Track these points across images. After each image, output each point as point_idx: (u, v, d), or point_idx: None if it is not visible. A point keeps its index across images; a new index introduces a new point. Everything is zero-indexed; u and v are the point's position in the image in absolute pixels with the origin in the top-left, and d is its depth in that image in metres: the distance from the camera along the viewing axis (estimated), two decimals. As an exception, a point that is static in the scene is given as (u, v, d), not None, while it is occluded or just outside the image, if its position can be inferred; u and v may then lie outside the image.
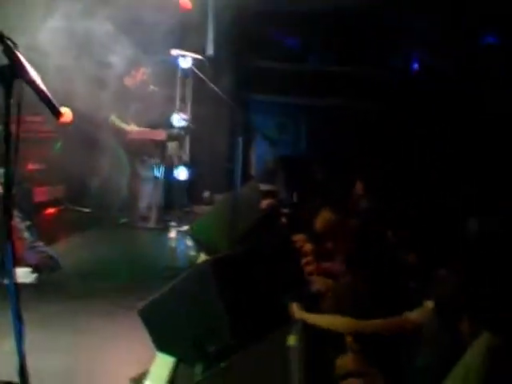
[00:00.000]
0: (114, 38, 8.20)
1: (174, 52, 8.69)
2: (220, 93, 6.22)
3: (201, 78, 8.64)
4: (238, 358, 2.48)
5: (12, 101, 2.18)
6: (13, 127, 2.24)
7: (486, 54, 11.55)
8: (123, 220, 9.04)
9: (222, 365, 2.50)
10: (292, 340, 2.18)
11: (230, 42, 10.74)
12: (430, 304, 3.34)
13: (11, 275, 2.35)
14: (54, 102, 2.23)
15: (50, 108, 2.24)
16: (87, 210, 9.37)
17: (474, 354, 2.51)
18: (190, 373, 3.50)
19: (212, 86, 6.38)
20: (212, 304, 3.33)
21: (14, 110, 2.21)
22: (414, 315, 3.47)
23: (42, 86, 2.25)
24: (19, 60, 2.24)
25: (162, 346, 3.76)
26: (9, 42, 2.24)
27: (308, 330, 2.31)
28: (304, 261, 4.79)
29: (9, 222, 2.37)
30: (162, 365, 3.72)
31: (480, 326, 2.60)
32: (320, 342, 2.67)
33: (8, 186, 2.30)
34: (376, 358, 3.23)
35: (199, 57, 8.92)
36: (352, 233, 4.51)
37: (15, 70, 2.22)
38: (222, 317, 3.26)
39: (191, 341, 3.39)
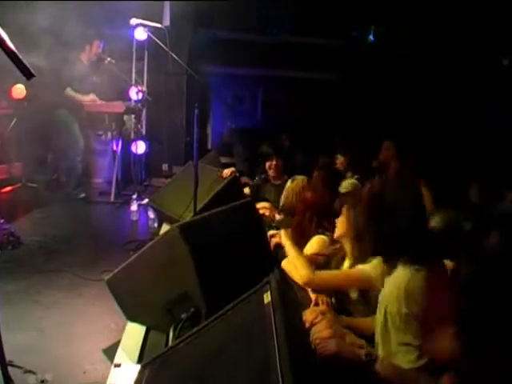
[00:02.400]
0: (68, 11, 8.10)
1: (133, 21, 8.57)
2: (180, 61, 6.16)
3: (157, 50, 8.55)
4: (213, 320, 2.48)
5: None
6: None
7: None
8: (81, 195, 8.96)
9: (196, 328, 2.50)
10: (268, 297, 2.19)
11: (187, 12, 10.62)
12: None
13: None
14: (25, 62, 2.19)
15: (21, 69, 2.19)
16: (45, 187, 9.25)
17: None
18: (162, 340, 3.50)
19: (172, 54, 6.31)
20: (182, 269, 3.32)
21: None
22: (368, 269, 3.54)
23: (12, 47, 2.20)
24: (-14, 21, 2.21)
25: (132, 315, 3.75)
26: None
27: (281, 285, 2.32)
28: (270, 233, 4.81)
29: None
30: (133, 334, 3.69)
31: None
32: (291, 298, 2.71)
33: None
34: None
35: (158, 25, 8.81)
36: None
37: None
38: (193, 281, 3.26)
39: (163, 308, 3.38)
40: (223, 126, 13.23)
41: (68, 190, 8.99)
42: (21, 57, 2.20)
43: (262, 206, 5.75)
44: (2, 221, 6.22)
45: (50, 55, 7.65)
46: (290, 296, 2.59)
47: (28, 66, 2.21)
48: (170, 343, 3.15)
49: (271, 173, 6.83)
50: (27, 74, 2.21)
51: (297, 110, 12.77)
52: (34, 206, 8.17)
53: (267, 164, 6.85)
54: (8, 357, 2.82)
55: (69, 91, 8.65)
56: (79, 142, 9.01)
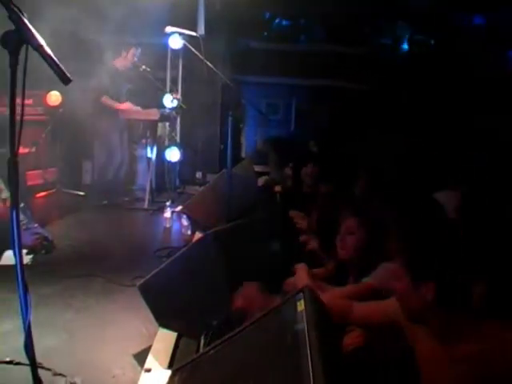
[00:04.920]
0: (104, 18, 8.16)
1: (169, 29, 8.63)
2: (215, 69, 6.18)
3: (191, 58, 8.59)
4: (245, 327, 2.47)
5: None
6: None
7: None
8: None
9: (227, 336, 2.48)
10: (301, 305, 2.18)
11: (221, 22, 10.68)
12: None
13: (18, 250, 2.34)
14: (63, 67, 2.20)
15: (58, 74, 2.20)
16: (80, 193, 9.33)
17: None
18: (193, 347, 3.50)
19: (207, 62, 6.34)
20: (214, 276, 3.33)
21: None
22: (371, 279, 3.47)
23: (50, 52, 2.22)
24: (26, 25, 2.21)
25: (164, 321, 3.77)
26: (14, 8, 2.20)
27: (314, 294, 2.31)
28: (302, 238, 4.79)
29: (16, 205, 2.34)
30: (165, 340, 3.72)
31: None
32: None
33: (14, 169, 2.28)
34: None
35: (194, 33, 8.86)
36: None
37: (22, 36, 2.18)
38: (225, 288, 3.26)
39: (194, 315, 3.39)
40: (257, 135, 13.24)
41: (104, 196, 9.05)
42: (58, 62, 2.21)
43: (295, 216, 5.73)
44: (36, 225, 6.27)
45: (85, 61, 7.73)
46: (322, 305, 2.56)
47: (65, 71, 2.22)
48: (201, 350, 3.14)
49: (307, 180, 6.79)
50: (65, 79, 2.22)
51: (329, 119, 12.74)
52: (68, 212, 8.24)
53: (303, 170, 6.80)
54: (38, 359, 2.82)
55: (105, 98, 8.72)
56: (115, 148, 9.08)
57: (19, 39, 2.18)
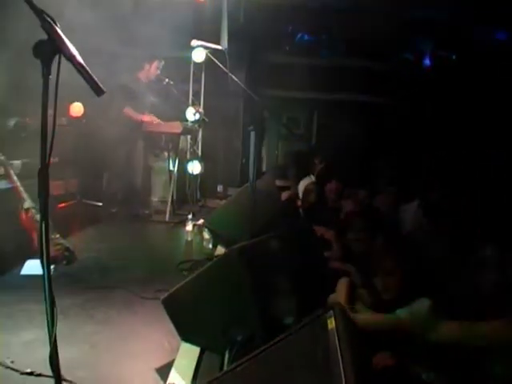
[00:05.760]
0: (128, 31, 8.21)
1: (194, 42, 8.65)
2: (239, 82, 6.15)
3: (214, 72, 8.61)
4: (272, 345, 2.43)
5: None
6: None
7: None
8: (137, 213, 9.02)
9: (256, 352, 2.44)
10: (332, 323, 2.13)
11: (244, 35, 10.70)
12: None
13: (46, 259, 2.31)
14: (95, 78, 2.18)
15: (91, 85, 2.18)
16: (100, 204, 9.34)
17: None
18: (217, 362, 3.47)
19: (232, 75, 6.32)
20: (239, 291, 3.29)
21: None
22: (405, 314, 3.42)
23: (82, 62, 2.20)
24: (59, 35, 2.19)
25: (187, 335, 3.73)
26: (47, 17, 2.19)
27: (345, 311, 2.27)
28: (328, 254, 4.74)
29: (46, 213, 2.31)
30: (188, 354, 3.68)
31: None
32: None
33: (44, 181, 2.25)
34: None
35: (219, 47, 8.88)
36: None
37: (55, 45, 2.17)
38: (249, 304, 3.23)
39: (218, 329, 3.35)
40: (278, 149, 13.25)
41: (124, 208, 9.05)
42: (91, 72, 2.20)
43: (319, 230, 5.69)
44: (57, 236, 6.26)
45: (109, 73, 7.75)
46: (352, 323, 2.52)
47: (98, 82, 2.20)
48: (226, 365, 3.11)
49: (331, 196, 6.76)
50: (98, 90, 2.20)
51: (351, 133, 12.73)
52: (89, 223, 8.27)
53: (328, 186, 6.77)
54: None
55: (128, 110, 8.73)
56: (137, 161, 9.09)
57: (52, 49, 2.16)
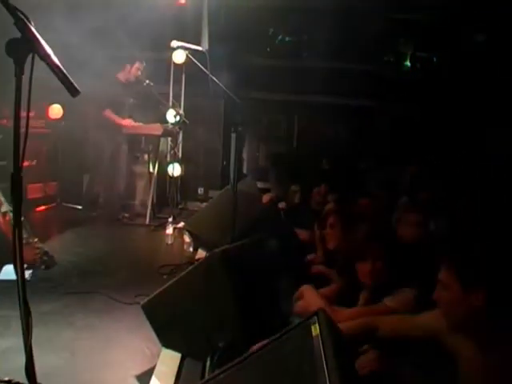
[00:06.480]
0: (108, 32, 8.13)
1: (174, 43, 8.58)
2: (220, 84, 6.10)
3: (195, 73, 8.56)
4: (255, 351, 2.37)
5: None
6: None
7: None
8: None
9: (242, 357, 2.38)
10: (316, 329, 2.08)
11: (224, 37, 10.65)
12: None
13: (20, 268, 2.23)
14: (71, 78, 2.10)
15: (66, 85, 2.10)
16: (80, 207, 9.25)
17: None
18: (198, 369, 3.41)
19: (212, 77, 6.28)
20: (220, 296, 3.25)
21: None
22: (392, 302, 3.41)
23: (57, 62, 2.12)
24: (33, 33, 2.11)
25: (168, 341, 3.67)
26: (21, 15, 2.10)
27: (328, 317, 2.23)
28: (311, 257, 4.70)
29: (18, 220, 2.23)
30: (168, 361, 3.61)
31: None
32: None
33: (17, 184, 2.17)
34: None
35: (199, 48, 8.83)
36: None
37: (29, 44, 2.08)
38: (231, 309, 3.18)
39: (199, 336, 3.30)
40: (259, 151, 13.20)
41: (105, 211, 8.98)
42: (66, 73, 2.12)
43: (301, 234, 5.65)
44: (35, 240, 6.17)
45: (89, 75, 7.66)
46: (337, 328, 2.48)
47: (73, 82, 2.12)
48: (207, 372, 3.06)
49: (316, 198, 6.71)
50: (73, 90, 2.12)
51: (332, 136, 12.73)
52: (69, 226, 8.18)
53: (316, 189, 6.72)
54: (37, 379, 2.72)
55: (108, 112, 8.63)
56: (114, 162, 9.00)
57: (25, 47, 2.08)
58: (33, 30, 2.11)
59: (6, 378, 3.47)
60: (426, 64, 12.82)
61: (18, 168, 2.16)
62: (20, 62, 2.08)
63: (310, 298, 3.70)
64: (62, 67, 2.11)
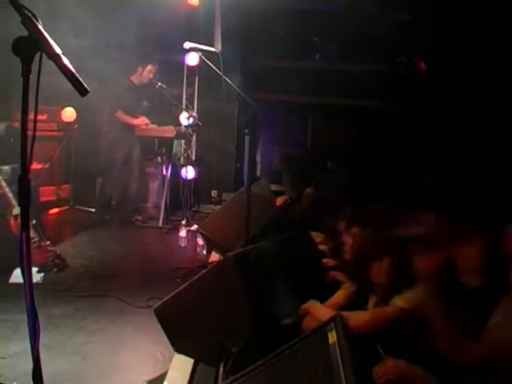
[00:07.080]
0: (121, 34, 8.11)
1: (187, 45, 8.52)
2: (234, 86, 6.04)
3: (208, 75, 8.52)
4: (270, 358, 2.31)
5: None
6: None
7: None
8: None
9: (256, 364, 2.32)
10: (333, 337, 2.01)
11: (237, 39, 10.60)
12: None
13: (27, 272, 2.16)
14: (80, 78, 2.03)
15: (74, 85, 2.02)
16: (93, 210, 9.21)
17: None
18: (211, 375, 3.35)
19: (226, 78, 6.22)
20: (234, 300, 3.18)
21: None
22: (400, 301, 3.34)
23: (66, 61, 2.05)
24: (40, 32, 2.04)
25: (180, 346, 3.61)
26: (28, 13, 2.04)
27: (345, 324, 2.16)
28: (324, 261, 4.61)
29: (26, 222, 2.17)
30: (181, 366, 3.56)
31: None
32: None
33: (25, 187, 2.10)
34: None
35: (212, 49, 8.79)
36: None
37: (36, 43, 2.01)
38: (245, 314, 3.11)
39: (212, 341, 3.23)
40: (273, 153, 13.15)
41: (118, 214, 8.95)
42: (76, 73, 2.05)
43: (316, 237, 5.55)
44: (48, 242, 6.14)
45: (101, 76, 7.63)
46: (351, 334, 2.41)
47: (82, 82, 2.05)
48: (220, 378, 3.00)
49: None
50: (82, 90, 2.05)
51: (346, 137, 12.68)
52: (81, 229, 8.16)
53: None
54: (47, 382, 2.66)
55: (120, 113, 8.58)
56: (134, 166, 8.97)
57: (32, 46, 2.01)
58: (40, 28, 2.04)
59: (15, 383, 3.45)
60: (439, 65, 12.72)
61: (25, 170, 2.09)
62: (27, 61, 2.01)
63: (317, 312, 3.62)
64: (70, 66, 2.04)
